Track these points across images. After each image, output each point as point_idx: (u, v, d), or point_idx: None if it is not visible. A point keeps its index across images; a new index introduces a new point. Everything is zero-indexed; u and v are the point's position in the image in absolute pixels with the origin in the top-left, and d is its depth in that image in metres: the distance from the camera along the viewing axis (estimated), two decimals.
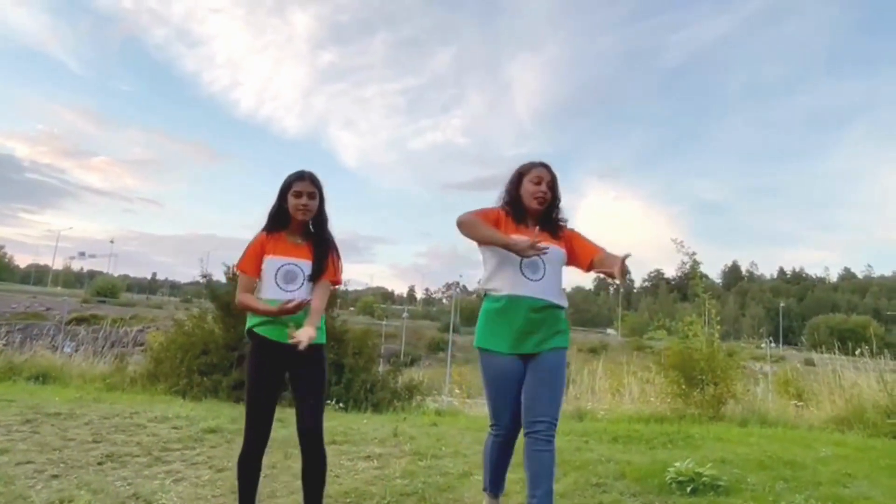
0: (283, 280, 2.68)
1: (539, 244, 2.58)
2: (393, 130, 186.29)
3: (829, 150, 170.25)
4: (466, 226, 2.73)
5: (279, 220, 2.79)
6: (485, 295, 2.83)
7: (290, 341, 2.49)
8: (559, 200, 2.88)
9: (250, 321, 2.71)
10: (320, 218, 2.84)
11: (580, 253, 2.84)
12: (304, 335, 2.50)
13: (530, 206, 2.80)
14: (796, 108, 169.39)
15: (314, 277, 2.73)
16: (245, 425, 2.68)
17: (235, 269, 2.81)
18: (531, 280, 2.69)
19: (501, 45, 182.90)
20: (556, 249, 2.76)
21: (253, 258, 2.74)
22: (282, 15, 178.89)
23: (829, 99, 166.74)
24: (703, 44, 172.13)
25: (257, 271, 2.72)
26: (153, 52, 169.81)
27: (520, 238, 2.60)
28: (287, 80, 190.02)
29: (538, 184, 2.79)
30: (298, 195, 2.74)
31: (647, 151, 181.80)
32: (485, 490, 2.98)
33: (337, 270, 2.84)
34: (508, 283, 2.70)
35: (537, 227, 2.77)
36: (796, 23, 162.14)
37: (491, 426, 2.82)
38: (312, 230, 2.84)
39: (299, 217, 2.75)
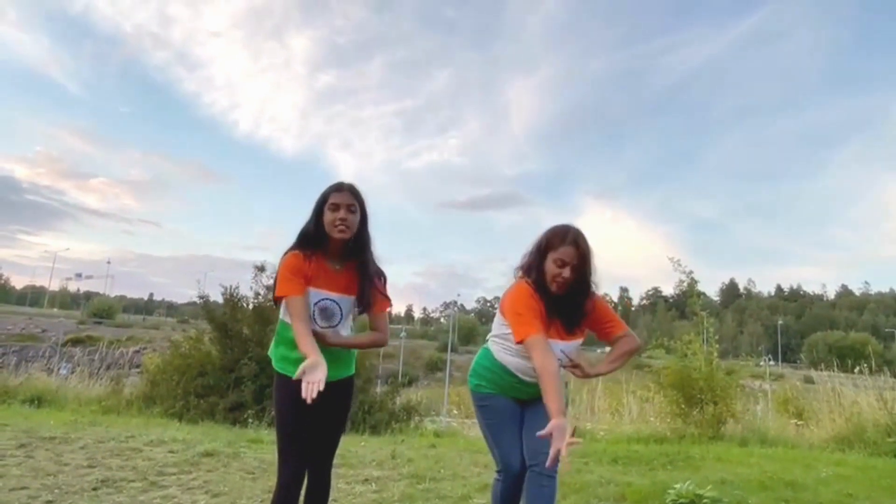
0: (321, 317, 2.38)
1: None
2: (390, 151, 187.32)
3: (823, 168, 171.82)
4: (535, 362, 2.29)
5: (315, 239, 2.41)
6: (490, 348, 2.66)
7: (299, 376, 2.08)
8: (588, 285, 2.53)
9: (277, 362, 2.45)
10: (361, 238, 2.45)
11: (600, 330, 2.63)
12: (315, 379, 2.03)
13: (549, 288, 2.48)
14: (789, 128, 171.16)
15: (361, 311, 2.45)
16: (279, 464, 2.37)
17: (274, 298, 2.39)
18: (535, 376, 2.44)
19: (497, 67, 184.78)
20: (571, 347, 2.55)
21: (297, 275, 2.33)
22: (280, 38, 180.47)
23: (821, 118, 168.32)
24: (696, 65, 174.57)
25: (303, 290, 2.33)
26: (153, 75, 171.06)
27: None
28: (285, 102, 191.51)
29: (561, 267, 2.45)
30: (335, 208, 2.38)
31: (642, 171, 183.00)
32: None
33: (387, 299, 2.54)
34: (514, 364, 2.54)
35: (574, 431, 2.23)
36: (788, 43, 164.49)
37: (498, 471, 2.63)
38: (352, 252, 2.45)
39: (336, 235, 2.37)
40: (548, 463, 2.02)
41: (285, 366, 2.40)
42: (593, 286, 2.57)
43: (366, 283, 2.43)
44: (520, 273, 2.61)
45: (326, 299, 2.38)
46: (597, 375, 2.60)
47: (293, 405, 2.27)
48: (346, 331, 2.48)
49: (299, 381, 2.19)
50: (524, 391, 2.58)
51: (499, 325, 2.62)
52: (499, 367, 2.58)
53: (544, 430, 2.01)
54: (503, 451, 2.58)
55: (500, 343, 2.60)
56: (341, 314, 2.42)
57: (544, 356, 2.25)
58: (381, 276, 2.52)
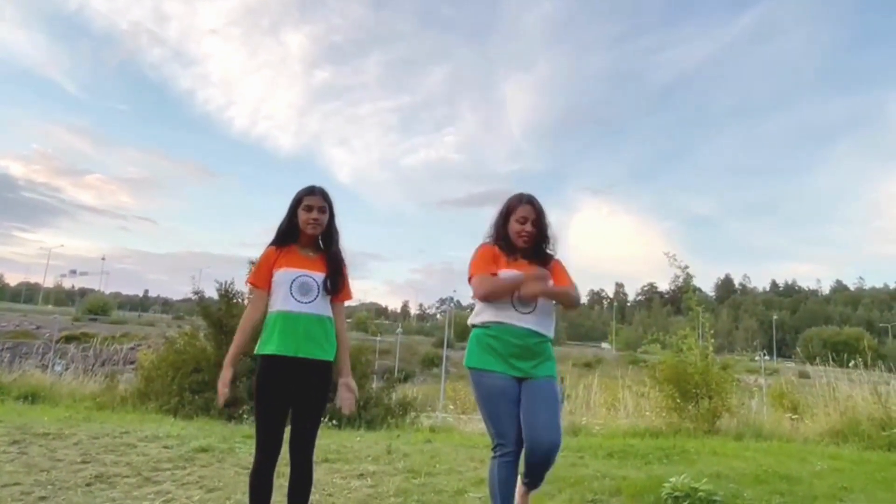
0: (298, 292, 2.67)
1: (534, 274, 2.73)
2: (387, 148, 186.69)
3: (817, 165, 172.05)
4: (492, 295, 2.78)
5: (289, 234, 2.81)
6: (474, 326, 2.89)
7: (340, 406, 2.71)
8: (546, 235, 2.96)
9: (261, 345, 2.69)
10: (330, 232, 2.85)
11: (558, 277, 2.94)
12: (347, 400, 2.73)
13: (517, 245, 2.90)
14: (785, 125, 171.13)
15: (330, 291, 2.74)
16: (256, 443, 2.69)
17: (248, 281, 2.88)
18: (522, 313, 2.76)
19: (494, 65, 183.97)
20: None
21: (264, 272, 2.74)
22: (276, 35, 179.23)
23: (816, 115, 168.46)
24: (693, 62, 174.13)
25: (268, 285, 2.73)
26: (149, 72, 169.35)
27: (521, 277, 2.74)
28: (281, 99, 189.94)
29: (523, 223, 2.89)
30: (309, 209, 2.77)
31: (639, 167, 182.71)
32: None
33: (349, 288, 2.88)
34: (501, 316, 2.77)
35: (537, 269, 2.83)
36: (784, 41, 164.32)
37: (495, 448, 2.74)
38: (322, 245, 2.86)
39: (309, 231, 2.77)
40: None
41: (263, 347, 2.67)
42: (551, 240, 2.99)
43: (335, 266, 2.80)
44: (488, 240, 2.98)
45: (303, 276, 2.70)
46: (543, 292, 2.80)
47: (269, 384, 2.63)
48: (325, 310, 2.73)
49: (276, 361, 2.62)
50: (518, 347, 2.74)
51: (476, 309, 2.94)
52: (492, 330, 2.79)
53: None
54: (498, 425, 2.72)
55: (479, 312, 2.87)
56: (318, 289, 2.71)
57: (485, 280, 2.79)
58: (344, 263, 2.88)
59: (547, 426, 2.65)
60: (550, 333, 2.85)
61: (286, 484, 2.79)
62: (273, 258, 2.75)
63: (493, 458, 2.75)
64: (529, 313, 2.76)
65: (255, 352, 2.71)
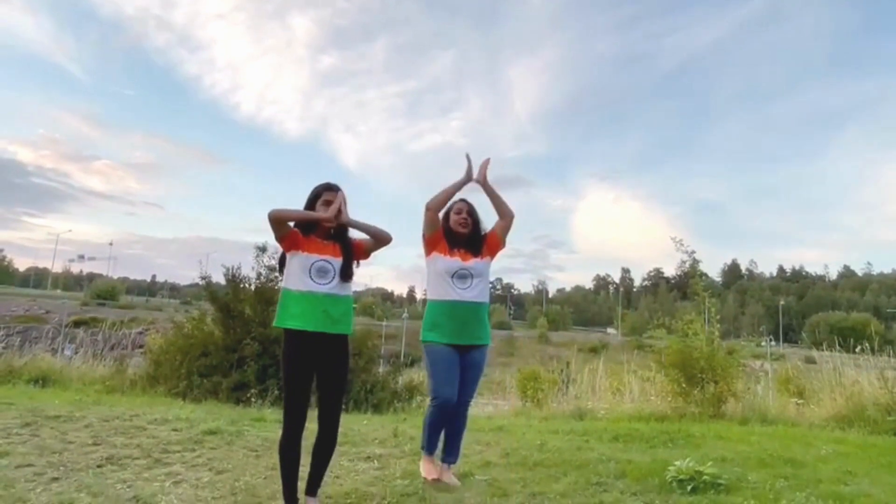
0: (316, 274, 2.97)
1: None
2: (393, 133, 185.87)
3: (825, 150, 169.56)
4: (436, 201, 3.67)
5: (308, 225, 3.09)
6: (428, 300, 3.63)
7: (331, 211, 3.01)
8: (480, 223, 3.74)
9: (282, 319, 2.96)
10: (344, 225, 3.16)
11: (490, 240, 3.71)
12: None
13: (457, 231, 3.65)
14: (792, 110, 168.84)
15: (344, 277, 3.04)
16: (284, 414, 2.96)
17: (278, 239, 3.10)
18: (460, 289, 3.52)
19: (500, 49, 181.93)
20: (479, 264, 3.61)
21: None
22: (282, 19, 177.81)
23: (824, 100, 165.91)
24: (700, 47, 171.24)
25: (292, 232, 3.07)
26: (155, 57, 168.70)
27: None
28: (287, 84, 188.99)
29: (459, 213, 3.69)
30: (327, 204, 3.08)
31: (646, 153, 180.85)
32: (422, 449, 3.69)
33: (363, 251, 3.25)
34: (444, 292, 3.53)
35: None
36: (791, 26, 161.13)
37: (432, 399, 3.51)
38: (336, 235, 3.14)
39: (326, 224, 3.07)
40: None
41: (285, 319, 2.95)
42: (483, 230, 3.73)
43: (349, 255, 3.10)
44: None
45: (321, 260, 3.00)
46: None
47: (296, 357, 2.92)
48: (341, 290, 3.03)
49: (299, 335, 2.91)
50: (461, 321, 3.49)
51: (429, 280, 3.65)
52: (439, 307, 3.53)
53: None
54: (438, 383, 3.46)
55: (429, 289, 3.61)
56: (334, 272, 3.02)
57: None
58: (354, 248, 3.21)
59: (467, 395, 3.55)
60: (487, 299, 3.64)
61: (305, 467, 2.91)
62: (297, 234, 3.04)
63: (430, 405, 3.53)
64: (466, 289, 3.51)
65: (274, 323, 3.01)
